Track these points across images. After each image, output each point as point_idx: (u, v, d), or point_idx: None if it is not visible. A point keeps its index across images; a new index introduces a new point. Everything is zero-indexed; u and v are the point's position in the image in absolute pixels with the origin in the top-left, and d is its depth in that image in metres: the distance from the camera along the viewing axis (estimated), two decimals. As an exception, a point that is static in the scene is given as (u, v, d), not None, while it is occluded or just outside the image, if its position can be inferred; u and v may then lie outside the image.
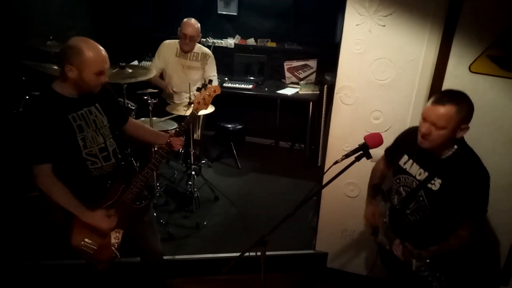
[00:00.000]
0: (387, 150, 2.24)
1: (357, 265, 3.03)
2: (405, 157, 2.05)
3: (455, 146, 1.87)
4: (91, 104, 2.04)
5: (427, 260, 1.80)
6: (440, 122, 1.76)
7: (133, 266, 2.65)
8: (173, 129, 3.40)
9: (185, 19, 3.70)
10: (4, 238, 3.01)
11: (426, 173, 1.94)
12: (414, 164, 2.00)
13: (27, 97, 3.21)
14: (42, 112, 1.88)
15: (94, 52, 1.89)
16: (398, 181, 2.09)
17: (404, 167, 2.05)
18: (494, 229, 2.55)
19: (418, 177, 1.97)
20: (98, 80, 1.94)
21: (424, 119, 1.83)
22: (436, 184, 1.90)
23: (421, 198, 1.97)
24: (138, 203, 2.16)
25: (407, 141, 2.03)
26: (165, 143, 2.17)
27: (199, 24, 3.74)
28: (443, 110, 1.75)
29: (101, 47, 1.94)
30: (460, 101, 1.77)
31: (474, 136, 1.96)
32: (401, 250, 1.93)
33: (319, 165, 4.09)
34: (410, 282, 2.18)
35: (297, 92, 4.49)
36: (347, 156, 1.79)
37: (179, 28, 3.71)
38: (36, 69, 3.23)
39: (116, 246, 2.09)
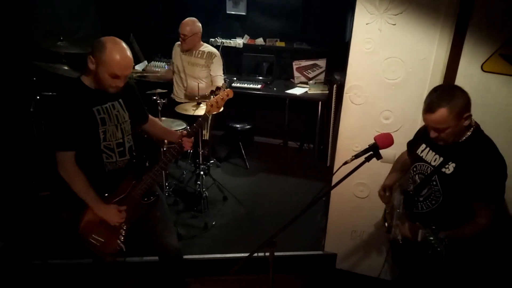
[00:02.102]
0: (409, 143, 2.26)
1: (366, 267, 3.00)
2: (423, 146, 2.07)
3: (468, 133, 1.88)
4: (115, 99, 2.08)
5: (433, 227, 1.77)
6: (439, 126, 1.80)
7: (152, 264, 2.70)
8: (183, 129, 3.40)
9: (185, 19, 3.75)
10: (15, 237, 3.05)
11: (441, 159, 1.95)
12: (430, 151, 2.02)
13: (38, 97, 3.24)
14: (69, 102, 1.94)
15: (116, 55, 1.89)
16: (414, 169, 2.10)
17: (420, 155, 2.06)
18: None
19: (433, 163, 1.98)
20: (112, 82, 1.95)
21: (427, 126, 1.88)
22: (450, 168, 1.90)
23: (434, 183, 1.96)
24: (146, 199, 2.21)
25: (425, 131, 2.04)
26: (175, 141, 2.21)
27: (195, 24, 3.73)
28: (436, 116, 1.78)
29: (128, 54, 1.94)
30: (449, 100, 1.77)
31: (486, 135, 1.94)
32: (412, 230, 1.89)
33: (328, 165, 4.06)
34: (422, 281, 2.16)
35: (306, 91, 4.47)
36: (356, 156, 1.78)
37: None
38: (46, 70, 3.26)
39: (122, 240, 2.14)
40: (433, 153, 2.00)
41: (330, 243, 3.06)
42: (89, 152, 2.04)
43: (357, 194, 2.83)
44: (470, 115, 1.82)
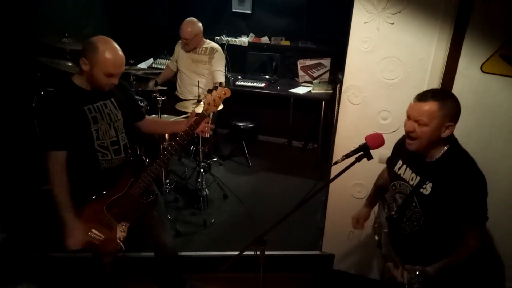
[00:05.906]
0: (388, 159, 2.17)
1: (363, 268, 2.99)
2: (400, 163, 2.00)
3: (445, 148, 1.81)
4: (107, 98, 2.10)
5: (417, 273, 1.60)
6: (422, 118, 1.73)
7: (150, 260, 2.70)
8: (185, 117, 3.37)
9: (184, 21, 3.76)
10: (16, 230, 3.10)
11: (418, 178, 1.87)
12: (407, 169, 1.94)
13: (42, 92, 3.29)
14: (59, 102, 1.96)
15: (109, 55, 1.93)
16: (394, 187, 2.03)
17: (398, 172, 1.99)
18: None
19: (411, 182, 1.91)
20: (107, 81, 1.99)
21: (408, 116, 1.81)
22: (427, 188, 1.83)
23: (413, 204, 1.89)
24: (145, 197, 2.21)
25: (401, 145, 1.97)
26: (183, 129, 2.16)
27: (195, 25, 3.75)
28: (426, 106, 1.73)
29: (120, 52, 1.97)
30: (444, 97, 1.74)
31: (485, 139, 1.91)
32: (400, 272, 1.69)
33: (331, 165, 4.04)
34: None
35: (310, 91, 4.44)
36: (347, 156, 1.75)
37: None
38: (50, 66, 3.30)
39: (121, 239, 2.15)
40: (410, 171, 1.92)
41: (328, 244, 3.05)
42: (83, 151, 2.05)
43: (355, 195, 2.81)
44: (453, 128, 1.76)
